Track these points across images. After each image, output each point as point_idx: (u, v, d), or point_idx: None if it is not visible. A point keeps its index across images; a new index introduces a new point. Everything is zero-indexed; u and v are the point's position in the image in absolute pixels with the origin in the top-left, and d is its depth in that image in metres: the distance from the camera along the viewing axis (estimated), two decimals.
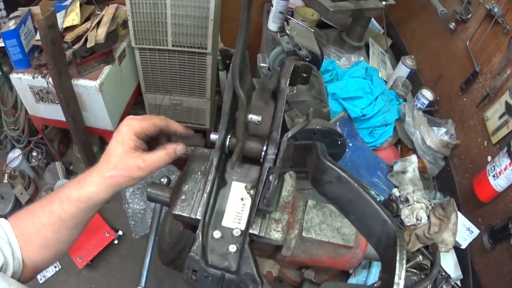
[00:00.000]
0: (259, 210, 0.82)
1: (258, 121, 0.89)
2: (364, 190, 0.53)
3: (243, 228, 0.86)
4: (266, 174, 0.82)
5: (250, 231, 0.84)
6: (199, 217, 0.85)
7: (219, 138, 0.88)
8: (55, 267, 2.91)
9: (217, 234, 0.85)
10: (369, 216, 0.53)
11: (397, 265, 0.44)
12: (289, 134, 0.78)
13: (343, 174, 0.56)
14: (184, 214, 0.88)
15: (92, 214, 0.87)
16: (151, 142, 0.88)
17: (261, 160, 0.88)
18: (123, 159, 0.79)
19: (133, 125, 0.81)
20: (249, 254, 0.79)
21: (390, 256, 0.46)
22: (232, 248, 0.83)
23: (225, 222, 0.88)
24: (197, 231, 0.82)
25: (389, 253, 0.47)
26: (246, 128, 0.91)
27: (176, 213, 0.89)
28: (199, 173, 0.94)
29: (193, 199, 0.90)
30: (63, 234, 0.85)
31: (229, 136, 0.90)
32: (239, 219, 0.88)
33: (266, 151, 0.87)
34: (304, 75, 0.93)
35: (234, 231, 0.86)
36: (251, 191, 0.90)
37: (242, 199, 0.90)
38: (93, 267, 2.95)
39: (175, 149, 0.85)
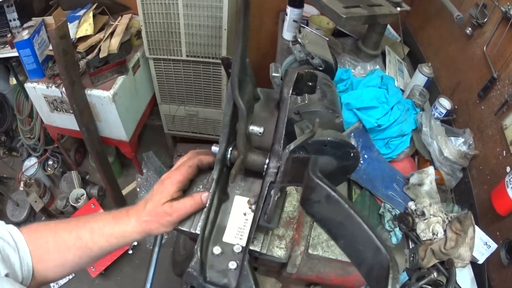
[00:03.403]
0: (260, 226, 0.78)
1: (260, 133, 0.85)
2: (356, 212, 0.48)
3: (244, 244, 0.82)
4: (267, 188, 0.79)
5: (252, 248, 0.81)
6: (199, 232, 0.82)
7: (219, 151, 0.85)
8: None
9: (217, 250, 0.82)
10: (360, 241, 0.48)
11: None
12: (291, 146, 0.74)
13: (332, 193, 0.52)
14: (184, 229, 0.86)
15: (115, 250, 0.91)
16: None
17: (263, 173, 0.85)
18: (156, 207, 0.84)
19: (175, 177, 0.86)
20: (249, 272, 0.76)
21: None
22: (232, 264, 0.80)
23: (226, 238, 0.85)
24: (196, 246, 0.79)
25: (380, 286, 0.42)
26: (248, 140, 0.87)
27: (176, 227, 0.86)
28: (201, 186, 0.91)
29: (193, 213, 0.87)
30: (84, 261, 0.89)
31: (230, 149, 0.87)
32: (240, 235, 0.85)
33: (268, 164, 0.83)
34: (310, 83, 0.89)
35: (235, 247, 0.82)
36: (253, 206, 0.86)
37: (244, 214, 0.87)
38: (106, 276, 2.95)
39: (201, 196, 0.86)
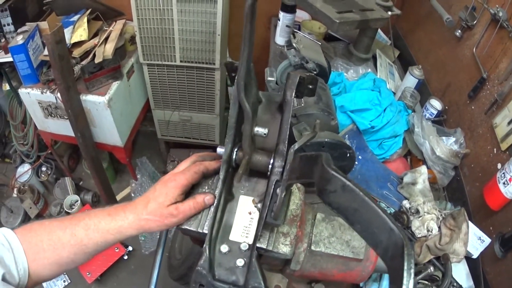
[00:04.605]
0: (267, 223, 0.81)
1: (265, 134, 0.88)
2: (370, 199, 0.52)
3: (250, 242, 0.85)
4: (273, 187, 0.81)
5: (258, 245, 0.83)
6: (206, 231, 0.85)
7: (225, 152, 0.88)
8: (64, 281, 2.90)
9: (224, 248, 0.84)
10: (375, 225, 0.52)
11: (405, 274, 0.43)
12: (296, 146, 0.77)
13: (347, 182, 0.55)
14: (191, 228, 0.88)
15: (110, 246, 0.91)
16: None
17: (268, 173, 0.87)
18: (160, 208, 0.85)
19: (180, 180, 0.87)
20: (257, 268, 0.78)
21: (397, 266, 0.44)
22: (240, 262, 0.83)
23: (233, 236, 0.87)
24: (204, 245, 0.82)
25: (396, 263, 0.45)
26: (253, 141, 0.90)
27: (183, 227, 0.89)
28: (206, 187, 0.94)
29: (200, 213, 0.89)
30: (79, 257, 0.88)
31: (235, 150, 0.89)
32: (246, 233, 0.87)
33: (273, 164, 0.86)
34: (310, 86, 0.92)
35: (241, 245, 0.85)
36: (259, 205, 0.89)
37: (249, 213, 0.90)
38: (102, 282, 2.94)
39: (204, 198, 0.88)
